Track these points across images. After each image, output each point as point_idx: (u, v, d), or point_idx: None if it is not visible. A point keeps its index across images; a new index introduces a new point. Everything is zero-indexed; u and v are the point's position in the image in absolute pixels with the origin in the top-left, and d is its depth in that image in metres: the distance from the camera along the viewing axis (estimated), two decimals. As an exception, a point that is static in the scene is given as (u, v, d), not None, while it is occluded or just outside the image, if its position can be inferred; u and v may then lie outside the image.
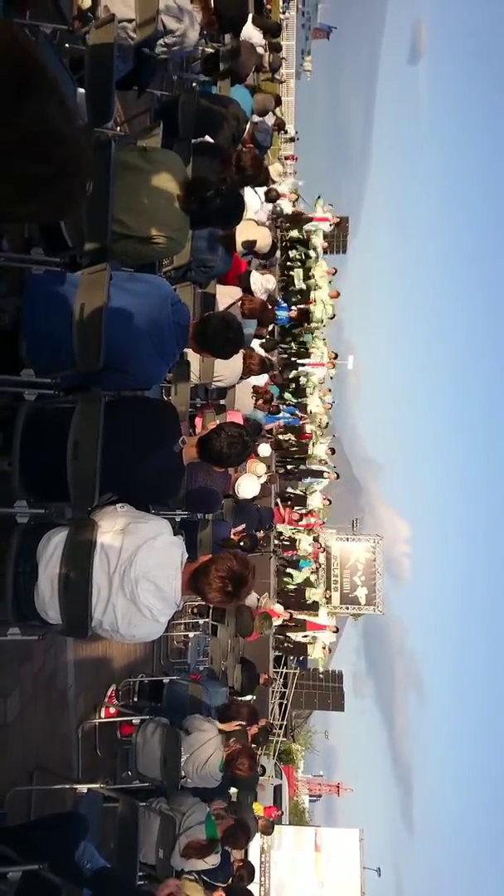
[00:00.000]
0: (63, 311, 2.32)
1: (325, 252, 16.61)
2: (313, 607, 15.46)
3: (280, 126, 9.94)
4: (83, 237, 2.40)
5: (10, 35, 0.70)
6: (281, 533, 15.51)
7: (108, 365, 2.30)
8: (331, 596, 20.93)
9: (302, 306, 15.46)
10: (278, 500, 14.44)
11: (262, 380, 6.77)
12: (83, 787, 3.53)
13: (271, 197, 9.50)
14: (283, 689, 19.55)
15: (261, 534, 8.95)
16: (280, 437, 14.91)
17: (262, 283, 5.69)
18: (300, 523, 15.50)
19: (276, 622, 13.19)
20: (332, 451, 16.35)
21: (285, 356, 15.52)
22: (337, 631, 15.71)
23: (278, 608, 13.41)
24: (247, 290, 5.53)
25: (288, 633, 15.46)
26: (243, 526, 5.87)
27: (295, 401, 15.27)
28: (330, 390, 16.30)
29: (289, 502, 15.72)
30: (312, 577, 15.89)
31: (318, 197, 16.51)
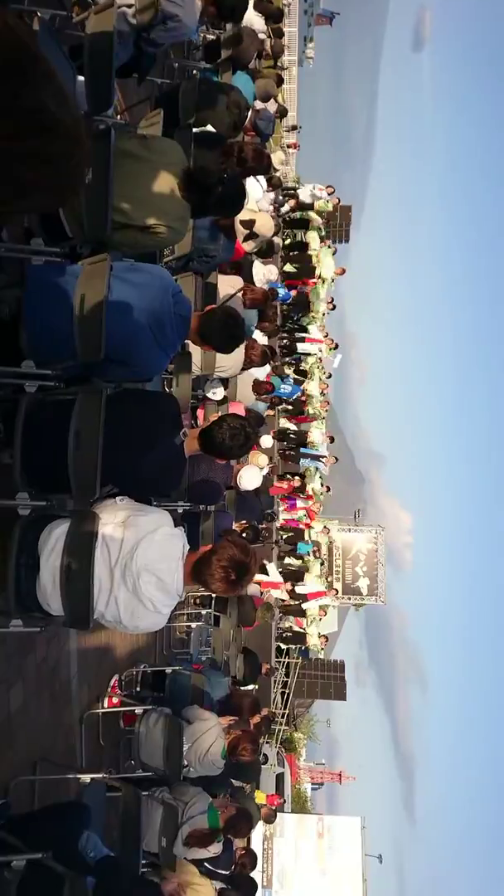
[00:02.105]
0: (63, 303, 2.30)
1: (325, 228, 16.38)
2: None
3: (282, 113, 9.84)
4: (83, 227, 2.38)
5: (3, 24, 0.68)
6: (285, 526, 15.56)
7: (108, 356, 2.29)
8: (332, 583, 20.99)
9: (302, 285, 15.27)
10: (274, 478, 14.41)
11: (263, 371, 6.73)
12: (86, 777, 3.56)
13: (274, 183, 9.42)
14: (285, 679, 19.68)
15: (263, 524, 8.96)
16: (280, 419, 14.85)
17: (265, 273, 5.65)
18: (299, 505, 15.50)
19: (278, 593, 13.21)
20: (332, 439, 16.26)
21: (286, 338, 15.43)
22: (337, 593, 15.76)
23: (277, 577, 13.43)
24: (248, 280, 5.50)
25: (286, 623, 15.58)
26: (245, 522, 5.86)
27: (294, 377, 15.22)
28: (324, 370, 16.21)
29: (287, 477, 15.77)
30: (312, 560, 15.94)
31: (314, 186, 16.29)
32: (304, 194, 15.03)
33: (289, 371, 15.07)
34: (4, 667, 3.19)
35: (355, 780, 35.80)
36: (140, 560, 2.18)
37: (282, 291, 14.13)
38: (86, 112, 2.56)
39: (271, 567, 11.90)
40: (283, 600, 14.71)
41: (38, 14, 2.30)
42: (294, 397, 14.86)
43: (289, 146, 22.82)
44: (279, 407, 14.08)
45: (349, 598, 23.27)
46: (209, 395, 5.11)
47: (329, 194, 15.04)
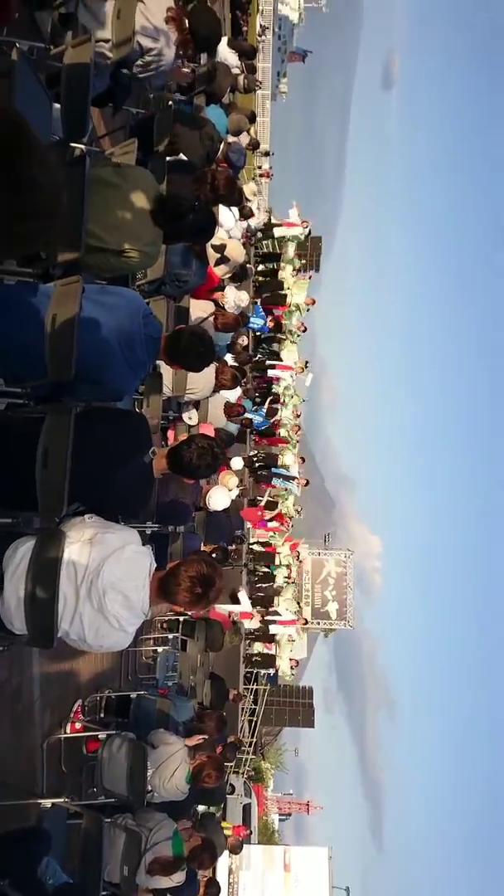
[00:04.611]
0: (35, 322, 2.33)
1: (299, 260, 16.85)
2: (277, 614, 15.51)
3: (255, 146, 10.12)
4: (56, 249, 2.43)
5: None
6: (255, 542, 15.61)
7: (79, 376, 2.32)
8: (301, 609, 20.99)
9: (277, 312, 15.63)
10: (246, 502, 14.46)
11: (234, 394, 6.81)
12: (47, 802, 3.48)
13: (245, 213, 9.64)
14: (252, 706, 19.44)
15: (233, 547, 8.95)
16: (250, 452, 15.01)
17: (235, 299, 5.76)
18: (270, 525, 15.59)
19: (249, 623, 13.16)
20: (303, 459, 16.56)
21: (258, 360, 15.67)
22: (306, 623, 15.84)
23: (249, 606, 13.39)
24: (219, 304, 5.60)
25: (255, 644, 15.56)
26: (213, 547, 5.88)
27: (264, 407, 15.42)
28: (299, 395, 16.50)
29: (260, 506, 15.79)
30: (285, 586, 15.93)
31: (292, 206, 16.85)
32: (280, 232, 15.75)
33: (258, 398, 15.28)
34: (-35, 689, 3.13)
35: (323, 809, 35.34)
36: (106, 577, 2.19)
37: (259, 322, 14.43)
38: (61, 139, 2.63)
39: (243, 596, 11.86)
40: (254, 630, 14.62)
41: (17, 45, 2.37)
42: (264, 427, 15.06)
43: (261, 176, 23.29)
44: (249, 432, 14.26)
45: (318, 623, 23.23)
46: (185, 419, 5.17)
47: (304, 227, 15.77)
